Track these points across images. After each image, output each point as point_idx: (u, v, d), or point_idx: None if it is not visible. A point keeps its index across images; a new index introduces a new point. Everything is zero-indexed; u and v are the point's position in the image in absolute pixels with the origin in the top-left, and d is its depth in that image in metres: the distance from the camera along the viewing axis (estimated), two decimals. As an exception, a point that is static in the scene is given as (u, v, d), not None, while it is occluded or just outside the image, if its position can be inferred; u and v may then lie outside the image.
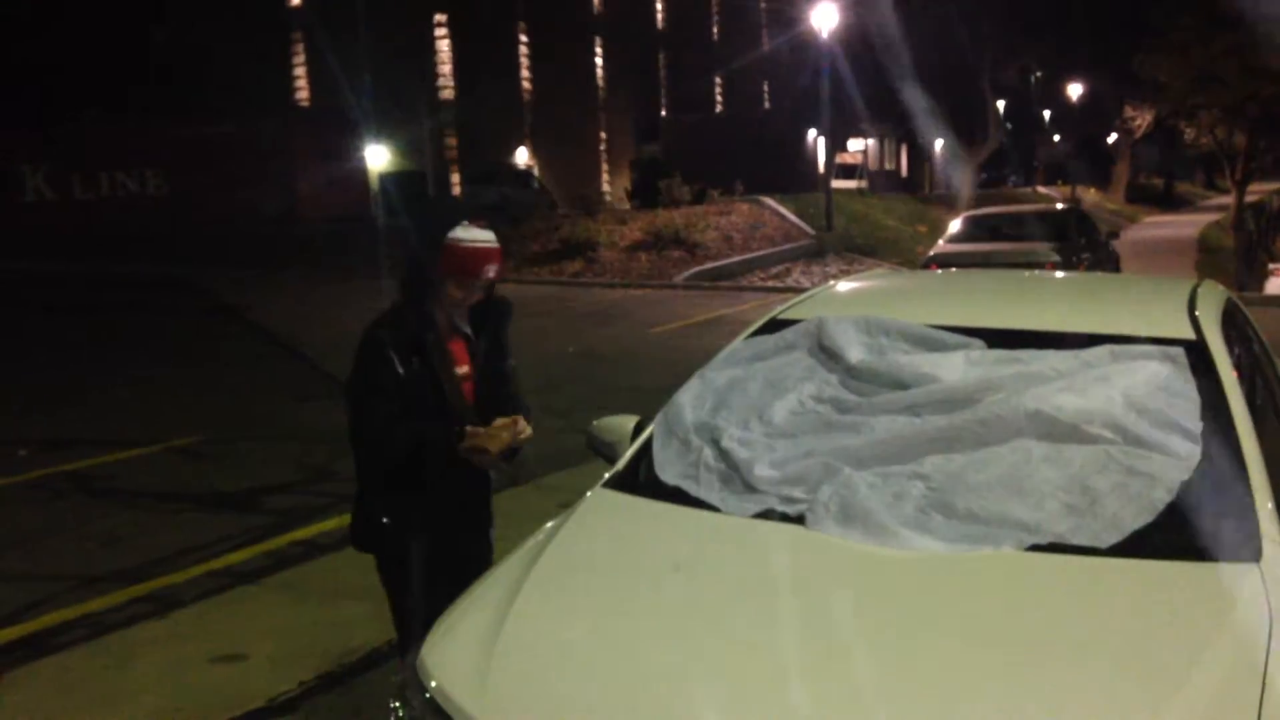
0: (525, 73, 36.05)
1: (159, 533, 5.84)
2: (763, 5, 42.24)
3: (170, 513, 6.23)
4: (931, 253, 13.80)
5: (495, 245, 2.89)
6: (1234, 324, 3.23)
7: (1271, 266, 16.81)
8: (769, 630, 2.11)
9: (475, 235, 2.84)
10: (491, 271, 2.89)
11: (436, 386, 2.88)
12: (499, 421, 2.85)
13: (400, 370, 2.82)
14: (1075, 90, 44.93)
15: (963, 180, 35.29)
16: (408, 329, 2.86)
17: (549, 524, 2.68)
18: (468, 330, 2.98)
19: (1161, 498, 2.32)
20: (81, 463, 7.30)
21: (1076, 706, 1.80)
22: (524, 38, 35.78)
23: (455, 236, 2.80)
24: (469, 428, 2.82)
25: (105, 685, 4.07)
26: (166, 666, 4.20)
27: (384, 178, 27.74)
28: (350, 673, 4.08)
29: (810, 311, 3.29)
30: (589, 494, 2.80)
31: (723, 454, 2.71)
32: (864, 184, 38.29)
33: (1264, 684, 1.80)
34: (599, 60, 38.72)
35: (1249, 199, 34.71)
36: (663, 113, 41.99)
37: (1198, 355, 2.74)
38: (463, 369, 2.97)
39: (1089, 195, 46.12)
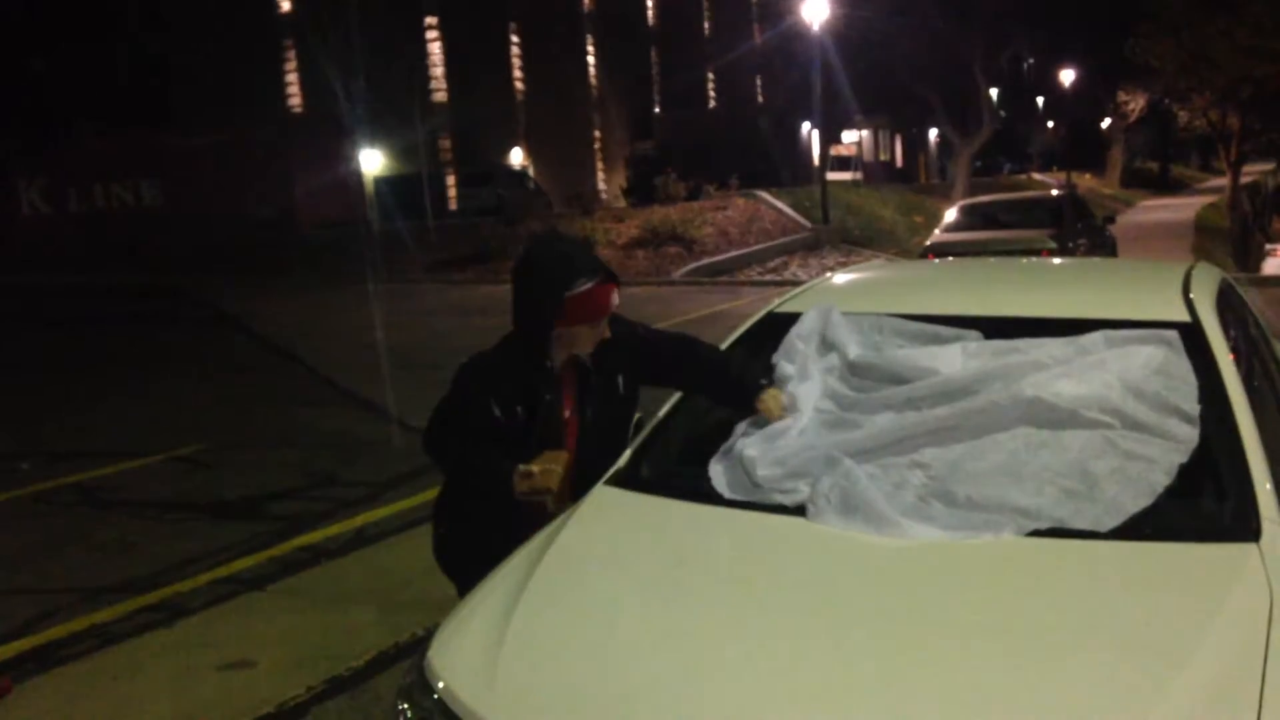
0: (518, 73, 36.00)
1: (164, 542, 5.85)
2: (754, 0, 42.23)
3: (175, 522, 6.24)
4: (928, 242, 13.84)
5: (610, 276, 2.79)
6: (1229, 305, 3.24)
7: (1269, 247, 16.82)
8: (774, 623, 2.12)
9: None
10: (615, 299, 2.81)
11: (530, 431, 2.81)
12: (546, 454, 2.75)
13: (497, 413, 2.77)
14: (1068, 76, 44.87)
15: (957, 169, 35.26)
16: (519, 376, 2.80)
17: (553, 522, 2.69)
18: (588, 367, 2.88)
19: (1160, 480, 2.33)
20: (85, 474, 7.31)
21: (1079, 690, 1.81)
22: (515, 38, 35.73)
23: (573, 290, 2.70)
24: (521, 466, 2.71)
25: (115, 695, 4.09)
26: (175, 675, 4.22)
27: (379, 182, 27.72)
28: (358, 677, 4.09)
29: (808, 304, 3.29)
30: (592, 491, 2.81)
31: (737, 446, 2.73)
32: (859, 176, 38.31)
33: (1265, 663, 1.81)
34: (591, 58, 38.69)
35: (1244, 180, 34.76)
36: (656, 109, 41.96)
37: (1193, 337, 2.74)
38: (566, 413, 2.90)
39: (1084, 180, 46.08)
